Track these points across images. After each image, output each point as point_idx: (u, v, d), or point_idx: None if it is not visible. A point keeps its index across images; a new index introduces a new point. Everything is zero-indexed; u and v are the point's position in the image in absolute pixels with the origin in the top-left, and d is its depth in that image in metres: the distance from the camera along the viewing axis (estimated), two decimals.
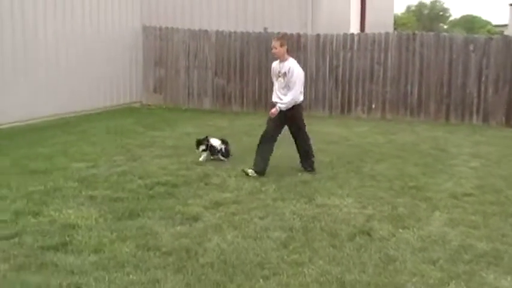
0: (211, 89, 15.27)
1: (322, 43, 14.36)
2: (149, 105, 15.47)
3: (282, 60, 7.83)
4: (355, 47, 14.11)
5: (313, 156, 8.25)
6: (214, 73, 15.16)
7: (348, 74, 14.25)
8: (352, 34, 14.64)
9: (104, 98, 14.27)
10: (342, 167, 8.54)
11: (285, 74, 7.74)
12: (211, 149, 8.70)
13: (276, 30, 15.00)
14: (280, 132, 8.06)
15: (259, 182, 7.50)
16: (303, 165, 8.20)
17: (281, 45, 7.76)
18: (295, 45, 14.44)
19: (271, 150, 7.98)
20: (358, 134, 11.78)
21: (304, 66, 14.28)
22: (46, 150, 9.18)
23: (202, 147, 8.69)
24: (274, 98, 7.96)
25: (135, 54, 15.34)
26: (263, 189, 7.18)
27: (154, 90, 15.67)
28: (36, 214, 5.85)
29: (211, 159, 8.67)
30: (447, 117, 13.53)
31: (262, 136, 7.97)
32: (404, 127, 12.72)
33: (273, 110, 7.83)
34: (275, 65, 8.00)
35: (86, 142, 10.06)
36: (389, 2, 31.20)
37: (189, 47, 15.25)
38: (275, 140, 8.00)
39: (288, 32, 14.76)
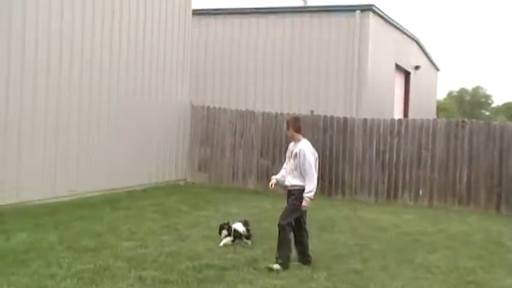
0: (256, 169, 15.28)
1: (369, 127, 14.34)
2: (194, 183, 15.53)
3: (295, 141, 7.67)
4: (403, 132, 14.03)
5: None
6: (259, 153, 15.22)
7: (395, 159, 14.12)
8: (400, 119, 14.64)
9: (150, 175, 14.39)
10: (394, 256, 8.30)
11: (295, 155, 7.50)
12: (234, 233, 8.57)
13: (322, 113, 15.15)
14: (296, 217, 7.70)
15: (310, 268, 7.31)
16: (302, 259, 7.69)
17: (291, 128, 7.65)
18: (341, 128, 14.48)
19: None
20: (406, 221, 11.51)
21: (350, 150, 14.36)
22: (95, 227, 9.19)
23: (225, 232, 8.59)
24: (279, 176, 7.88)
25: (182, 132, 15.57)
26: (315, 276, 6.98)
27: (199, 169, 15.77)
28: None
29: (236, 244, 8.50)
30: (498, 208, 13.16)
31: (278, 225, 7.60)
32: (453, 216, 12.39)
33: (304, 206, 7.50)
34: (290, 145, 7.83)
35: (134, 220, 10.05)
36: (433, 88, 31.40)
37: (235, 127, 15.42)
38: (293, 228, 7.66)
39: (334, 115, 14.89)
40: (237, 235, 8.58)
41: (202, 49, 19.07)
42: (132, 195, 12.90)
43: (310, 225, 10.33)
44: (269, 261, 7.61)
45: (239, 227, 8.65)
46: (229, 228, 8.58)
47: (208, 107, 15.76)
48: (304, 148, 7.44)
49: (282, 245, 7.43)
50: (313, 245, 8.72)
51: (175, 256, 7.59)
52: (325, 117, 14.82)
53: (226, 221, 8.82)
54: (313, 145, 14.42)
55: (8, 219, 9.30)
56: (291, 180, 7.53)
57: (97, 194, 12.31)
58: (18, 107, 10.57)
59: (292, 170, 7.54)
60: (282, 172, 7.88)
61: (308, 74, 18.68)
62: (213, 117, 15.62)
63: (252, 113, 15.45)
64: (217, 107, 15.80)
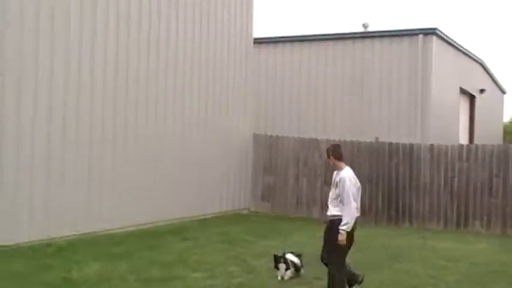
0: (320, 198, 15.08)
1: (436, 153, 13.97)
2: (257, 212, 15.47)
3: (338, 169, 7.27)
4: (472, 158, 13.59)
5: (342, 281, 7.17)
6: (323, 181, 15.03)
7: (465, 186, 13.66)
8: (469, 145, 14.22)
9: (213, 204, 14.42)
10: None
11: (336, 184, 7.14)
12: (295, 266, 8.29)
13: (385, 139, 14.88)
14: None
15: None
16: None
17: (332, 156, 7.32)
18: (407, 155, 14.18)
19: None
20: (479, 251, 11.05)
21: (417, 177, 14.01)
22: (163, 257, 9.22)
23: (283, 265, 8.16)
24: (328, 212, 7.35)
25: (245, 161, 15.59)
26: None
27: (262, 198, 15.71)
28: None
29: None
30: None
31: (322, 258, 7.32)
32: None
33: (341, 240, 6.91)
34: (334, 174, 7.43)
35: (201, 250, 10.04)
36: (499, 112, 30.48)
37: (298, 155, 15.33)
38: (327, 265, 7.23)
39: (399, 141, 14.60)
40: (297, 267, 8.33)
41: (263, 78, 19.16)
42: (197, 224, 12.94)
43: (380, 255, 10.16)
44: None
45: (294, 258, 8.38)
46: (285, 261, 8.22)
47: (271, 136, 15.75)
48: (345, 176, 7.05)
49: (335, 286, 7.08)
50: (385, 275, 8.52)
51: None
52: (390, 144, 14.54)
53: (280, 253, 8.32)
54: (378, 173, 14.42)
55: (79, 250, 9.46)
56: (331, 210, 7.19)
57: (164, 224, 12.40)
58: (106, 142, 10.84)
59: (332, 199, 7.23)
60: None
61: (370, 100, 18.48)
62: (275, 145, 15.59)
63: (315, 140, 15.32)
64: (280, 135, 15.75)
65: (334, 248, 7.02)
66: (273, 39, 19.96)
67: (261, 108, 18.70)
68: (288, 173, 15.39)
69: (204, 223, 13.20)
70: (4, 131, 9.37)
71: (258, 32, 17.15)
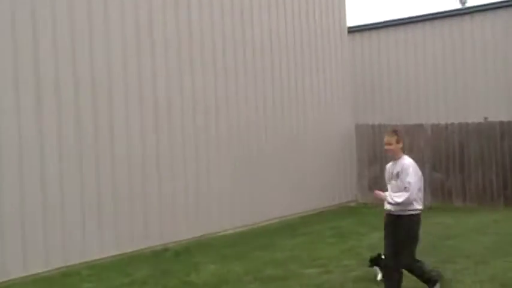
0: (429, 184, 14.59)
1: None
2: (365, 203, 15.21)
3: (397, 158, 6.58)
4: None
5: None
6: (432, 167, 14.54)
7: None
8: None
9: (320, 198, 14.32)
10: None
11: (397, 174, 6.44)
12: None
13: (495, 119, 14.17)
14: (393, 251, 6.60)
15: None
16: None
17: (397, 141, 6.55)
18: None
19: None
20: None
21: None
22: (276, 255, 9.26)
23: (377, 268, 7.45)
24: (387, 206, 6.61)
25: (349, 153, 15.40)
26: None
27: (370, 188, 15.41)
28: None
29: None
30: None
31: (385, 266, 6.78)
32: None
33: (380, 194, 6.60)
34: (389, 166, 6.71)
35: (313, 245, 10.01)
36: None
37: (403, 142, 14.87)
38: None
39: (510, 120, 13.85)
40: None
41: (359, 67, 18.80)
42: (307, 220, 12.90)
43: (502, 239, 9.65)
44: (462, 283, 7.16)
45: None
46: (380, 261, 7.40)
47: (373, 125, 15.44)
48: (410, 164, 6.45)
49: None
50: (511, 263, 8.10)
51: (362, 281, 7.40)
52: (501, 122, 13.83)
53: (376, 254, 7.54)
54: (491, 154, 13.74)
55: (194, 253, 9.71)
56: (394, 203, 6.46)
57: (272, 222, 12.49)
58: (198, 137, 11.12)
59: (394, 194, 6.49)
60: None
61: (475, 79, 17.61)
62: (379, 134, 15.23)
63: (421, 126, 14.86)
64: (382, 123, 15.40)
65: (404, 247, 6.49)
66: (367, 26, 19.51)
67: (360, 98, 18.33)
68: None
69: (311, 218, 13.14)
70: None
71: (351, 21, 16.88)
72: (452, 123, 14.49)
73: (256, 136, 12.56)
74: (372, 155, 15.33)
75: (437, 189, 14.49)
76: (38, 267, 8.39)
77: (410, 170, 6.38)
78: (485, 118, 14.26)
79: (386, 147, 6.62)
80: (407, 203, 6.32)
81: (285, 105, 13.40)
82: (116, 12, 9.75)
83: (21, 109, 8.39)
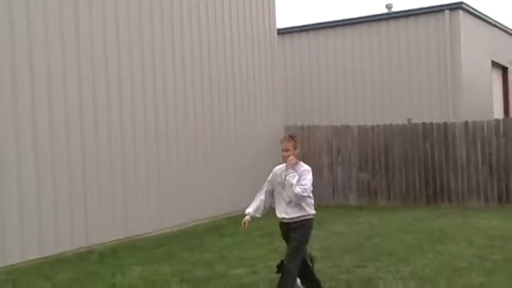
0: (355, 184, 14.99)
1: (471, 130, 13.74)
2: None
3: (294, 165, 6.33)
4: (510, 132, 13.31)
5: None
6: (358, 168, 14.92)
7: (503, 161, 13.41)
8: (506, 119, 13.92)
9: (249, 198, 14.27)
10: None
11: (297, 179, 6.21)
12: None
13: (418, 121, 14.67)
14: (304, 256, 6.43)
15: (430, 285, 6.97)
16: None
17: (294, 147, 6.36)
18: (442, 134, 13.98)
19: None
20: None
21: (453, 156, 13.79)
22: (205, 256, 9.21)
23: None
24: (280, 214, 6.40)
25: (278, 154, 15.44)
26: None
27: None
28: None
29: None
30: None
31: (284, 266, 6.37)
32: None
33: (290, 159, 6.30)
34: (278, 170, 6.52)
35: (241, 246, 10.03)
36: None
37: (331, 144, 15.22)
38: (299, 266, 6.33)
39: (432, 121, 14.38)
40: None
41: (289, 68, 19.05)
42: (234, 220, 12.88)
43: (422, 237, 10.02)
44: (383, 279, 7.37)
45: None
46: None
47: (302, 126, 15.67)
48: (309, 169, 6.39)
49: None
50: (428, 259, 8.41)
51: None
52: (423, 124, 14.35)
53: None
54: (414, 154, 14.23)
55: (121, 254, 9.55)
56: (290, 212, 6.26)
57: (201, 223, 12.45)
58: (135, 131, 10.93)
59: (290, 200, 6.25)
60: (257, 203, 6.68)
61: (399, 82, 18.20)
62: (307, 136, 15.50)
63: (348, 127, 15.21)
64: (311, 124, 15.66)
65: (298, 250, 6.33)
66: (296, 29, 19.80)
67: (290, 100, 18.59)
68: (322, 161, 15.30)
69: (241, 219, 13.12)
70: None
71: (280, 23, 17.04)
72: (378, 125, 14.89)
73: (185, 136, 12.48)
74: (300, 157, 15.42)
75: (363, 189, 14.89)
76: None
77: (310, 174, 6.30)
78: (409, 120, 14.75)
79: (284, 153, 6.34)
80: (300, 196, 6.12)
81: (214, 108, 13.38)
82: None
83: None
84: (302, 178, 6.21)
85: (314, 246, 9.61)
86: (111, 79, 10.70)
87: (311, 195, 6.35)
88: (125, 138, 10.99)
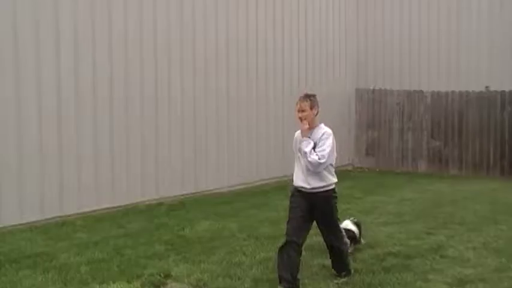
0: (426, 152, 14.61)
1: None
2: (361, 168, 15.23)
3: (312, 127, 5.79)
4: None
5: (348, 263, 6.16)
6: (430, 135, 14.52)
7: None
8: None
9: None
10: None
11: (314, 146, 5.66)
12: (349, 234, 6.79)
13: (498, 89, 14.07)
14: (305, 233, 5.87)
15: (504, 257, 6.75)
16: (335, 269, 6.15)
17: (311, 107, 5.77)
18: None
19: (294, 261, 5.65)
20: None
21: None
22: (272, 214, 9.27)
23: None
24: (301, 183, 5.77)
25: (348, 117, 15.30)
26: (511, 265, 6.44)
27: (367, 153, 15.42)
28: (274, 282, 5.78)
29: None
30: None
31: (285, 240, 5.78)
32: None
33: (304, 127, 5.74)
34: (298, 135, 5.89)
35: None
36: None
37: (403, 109, 14.85)
38: (300, 247, 5.75)
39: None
40: (355, 238, 7.03)
41: (362, 31, 18.55)
42: None
43: (495, 208, 9.69)
44: (454, 248, 7.20)
45: (351, 226, 7.08)
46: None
47: (373, 90, 15.32)
48: (329, 132, 5.77)
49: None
50: (502, 231, 8.16)
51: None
52: (502, 92, 13.76)
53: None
54: (490, 124, 13.65)
55: (189, 208, 9.73)
56: (312, 182, 5.70)
57: (269, 182, 12.48)
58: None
59: (307, 169, 5.70)
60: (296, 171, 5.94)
61: (477, 47, 17.39)
62: (379, 99, 15.16)
63: (421, 92, 14.77)
64: (383, 88, 15.27)
65: (333, 218, 6.03)
66: None
67: (361, 63, 18.12)
68: (393, 127, 14.97)
69: None
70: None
71: None
72: (453, 91, 14.39)
73: (256, 99, 12.44)
74: (371, 120, 15.26)
75: (434, 157, 14.51)
76: (34, 215, 8.38)
77: (330, 139, 5.69)
78: (487, 87, 14.16)
79: (299, 114, 5.75)
80: (316, 165, 5.55)
81: (286, 69, 13.23)
82: None
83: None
84: (320, 144, 5.61)
85: (383, 211, 9.58)
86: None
87: (332, 162, 5.74)
88: (197, 100, 11.07)
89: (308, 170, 5.64)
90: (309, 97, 5.82)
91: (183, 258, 6.71)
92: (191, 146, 10.96)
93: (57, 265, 6.44)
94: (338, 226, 6.15)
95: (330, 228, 6.00)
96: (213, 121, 11.42)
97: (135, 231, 8.05)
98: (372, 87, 15.35)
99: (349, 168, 15.26)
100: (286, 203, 9.94)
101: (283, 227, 8.20)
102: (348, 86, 15.30)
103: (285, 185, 12.32)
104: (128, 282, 5.89)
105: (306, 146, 5.61)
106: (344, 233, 6.29)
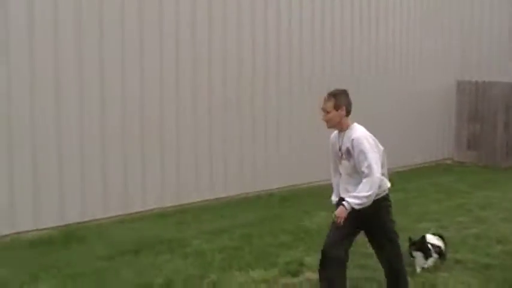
0: None
1: None
2: (462, 162, 14.85)
3: (341, 129, 4.97)
4: None
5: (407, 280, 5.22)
6: None
7: None
8: None
9: (416, 155, 14.02)
10: None
11: (348, 151, 4.85)
12: (436, 250, 6.20)
13: None
14: (350, 245, 4.96)
15: None
16: None
17: (336, 107, 4.86)
18: None
19: (344, 281, 4.89)
20: None
21: None
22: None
23: (419, 253, 6.09)
24: (341, 193, 5.02)
25: (448, 109, 14.93)
26: None
27: (468, 147, 15.01)
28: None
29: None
30: None
31: (323, 257, 4.88)
32: None
33: (339, 212, 4.73)
34: (333, 138, 5.09)
35: (418, 201, 9.91)
36: None
37: (509, 101, 14.34)
38: (346, 261, 4.90)
39: None
40: (442, 253, 6.27)
41: (467, 18, 17.94)
42: (403, 176, 12.68)
43: None
44: None
45: (437, 241, 6.34)
46: (424, 246, 6.11)
47: (476, 82, 14.87)
48: (360, 136, 4.82)
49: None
50: None
51: (483, 239, 7.27)
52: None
53: (416, 238, 6.25)
54: None
55: (300, 199, 9.83)
56: (352, 190, 4.84)
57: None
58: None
59: (348, 175, 4.96)
60: (335, 187, 5.23)
61: None
62: (482, 91, 14.71)
63: None
64: (486, 80, 14.79)
65: (388, 229, 5.07)
66: None
67: (464, 54, 17.52)
68: (497, 120, 14.47)
69: (410, 174, 12.94)
70: None
71: None
72: None
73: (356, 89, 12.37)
74: (473, 113, 14.81)
75: None
76: (155, 203, 8.73)
77: (365, 144, 4.77)
78: None
79: (323, 116, 4.93)
80: (373, 192, 4.69)
81: (389, 58, 13.09)
82: None
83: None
84: (360, 160, 4.74)
85: (499, 207, 9.32)
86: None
87: (376, 170, 4.71)
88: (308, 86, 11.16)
89: (346, 179, 4.97)
90: (334, 95, 4.89)
91: (311, 248, 6.77)
92: (299, 139, 11.06)
93: (192, 251, 6.68)
94: (397, 242, 5.15)
95: (391, 247, 5.11)
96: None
97: (255, 221, 8.20)
98: (474, 80, 14.90)
99: (449, 162, 14.93)
100: (393, 196, 9.85)
101: (399, 220, 8.14)
102: (449, 78, 14.91)
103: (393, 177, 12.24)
104: (265, 269, 6.02)
105: (351, 205, 4.69)
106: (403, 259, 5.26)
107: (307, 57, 11.11)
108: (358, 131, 4.86)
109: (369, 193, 4.64)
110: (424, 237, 6.17)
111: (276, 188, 10.40)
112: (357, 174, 4.79)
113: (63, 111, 7.73)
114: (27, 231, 7.36)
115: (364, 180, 4.66)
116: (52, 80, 7.61)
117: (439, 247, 6.25)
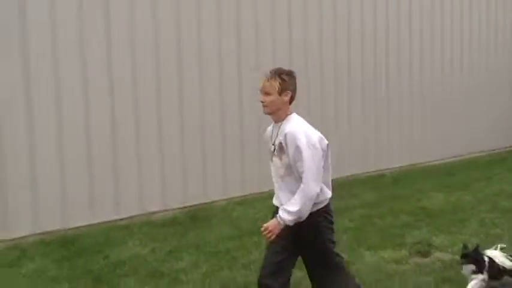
0: None
1: None
2: None
3: (278, 119, 3.88)
4: None
5: None
6: None
7: None
8: None
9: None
10: None
11: (280, 147, 3.78)
12: (497, 269, 4.77)
13: None
14: (292, 267, 3.96)
15: None
16: None
17: (281, 90, 3.75)
18: None
19: None
20: None
21: None
22: (504, 187, 9.01)
23: (470, 266, 4.76)
24: (274, 200, 4.03)
25: None
26: None
27: None
28: None
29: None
30: None
31: (260, 283, 3.89)
32: None
33: (271, 226, 3.72)
34: (270, 131, 4.03)
35: None
36: None
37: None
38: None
39: None
40: (495, 271, 4.76)
41: None
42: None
43: None
44: None
45: (502, 258, 4.85)
46: (477, 259, 4.75)
47: None
48: (297, 130, 3.72)
49: None
50: None
51: None
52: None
53: (469, 247, 4.89)
54: None
55: (413, 180, 9.79)
56: (282, 198, 3.89)
57: (479, 155, 12.12)
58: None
59: (279, 176, 3.91)
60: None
61: None
62: None
63: None
64: None
65: (327, 254, 3.95)
66: None
67: None
68: None
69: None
70: None
71: None
72: None
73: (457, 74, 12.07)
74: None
75: None
76: (236, 192, 8.70)
77: (302, 140, 3.68)
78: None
79: (261, 98, 3.81)
80: (307, 206, 3.69)
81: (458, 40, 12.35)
82: None
83: None
84: (296, 159, 3.71)
85: None
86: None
87: (318, 177, 3.72)
88: (413, 77, 11.01)
89: (277, 181, 3.97)
90: (280, 75, 3.79)
91: (436, 229, 6.75)
92: (408, 121, 10.98)
93: None
94: (335, 264, 4.01)
95: (325, 272, 4.00)
96: (428, 97, 11.38)
97: (371, 201, 8.26)
98: None
99: None
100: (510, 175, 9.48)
101: None
102: None
103: (500, 158, 11.92)
104: (394, 249, 6.06)
105: (280, 221, 3.71)
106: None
107: None
108: (295, 123, 3.79)
109: (301, 208, 3.65)
110: (477, 249, 4.79)
111: (386, 169, 10.39)
112: (290, 178, 3.79)
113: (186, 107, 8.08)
114: (156, 212, 7.76)
115: (300, 189, 3.67)
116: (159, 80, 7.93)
117: (498, 266, 4.78)
